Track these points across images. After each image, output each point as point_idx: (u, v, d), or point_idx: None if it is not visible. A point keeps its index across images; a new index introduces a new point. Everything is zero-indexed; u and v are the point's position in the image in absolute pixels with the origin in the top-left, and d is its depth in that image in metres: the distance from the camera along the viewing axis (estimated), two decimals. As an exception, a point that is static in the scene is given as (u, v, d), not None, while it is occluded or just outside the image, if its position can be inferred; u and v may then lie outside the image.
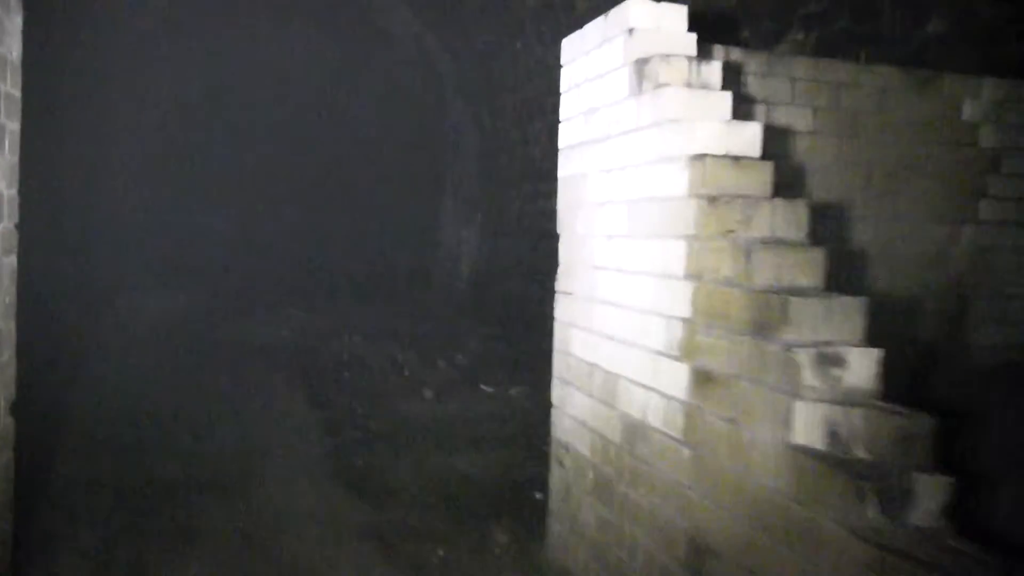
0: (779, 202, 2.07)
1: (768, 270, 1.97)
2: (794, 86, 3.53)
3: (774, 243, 2.01)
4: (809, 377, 1.76)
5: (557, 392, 2.91)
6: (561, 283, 3.02)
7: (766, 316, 1.90)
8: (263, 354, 6.67)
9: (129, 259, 12.72)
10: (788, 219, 2.07)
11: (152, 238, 13.86)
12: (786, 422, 1.78)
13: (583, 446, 2.67)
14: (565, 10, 8.03)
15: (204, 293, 11.19)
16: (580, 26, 2.97)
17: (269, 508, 3.26)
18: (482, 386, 5.41)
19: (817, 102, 3.57)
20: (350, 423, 4.53)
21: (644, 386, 2.28)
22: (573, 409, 2.75)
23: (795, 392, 1.78)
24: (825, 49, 4.33)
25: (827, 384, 1.77)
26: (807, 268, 1.98)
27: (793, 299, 1.85)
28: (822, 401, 1.73)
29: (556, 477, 2.91)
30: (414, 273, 13.88)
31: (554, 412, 2.90)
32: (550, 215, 9.13)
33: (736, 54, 3.47)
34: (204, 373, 5.73)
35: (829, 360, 1.77)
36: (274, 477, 3.62)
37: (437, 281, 12.90)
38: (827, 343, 1.82)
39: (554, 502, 2.93)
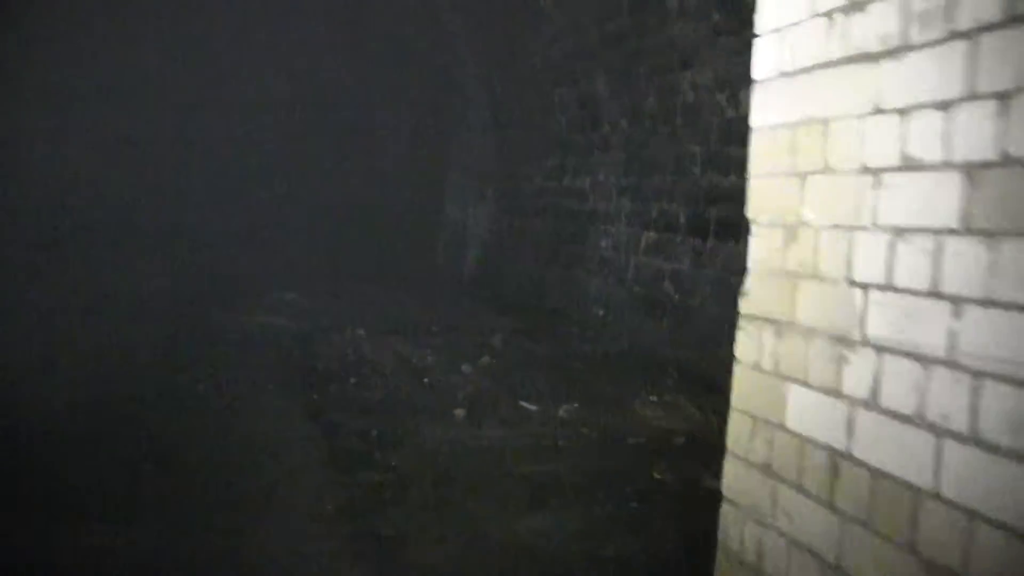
0: None
1: None
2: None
3: None
4: None
5: (739, 479, 1.80)
6: (753, 302, 1.85)
7: None
8: (253, 350, 5.58)
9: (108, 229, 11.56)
10: None
11: (137, 208, 12.69)
12: None
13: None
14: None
15: (188, 270, 10.05)
16: None
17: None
18: (522, 402, 4.34)
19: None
20: (365, 457, 3.45)
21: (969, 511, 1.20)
22: (784, 520, 1.66)
23: None
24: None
25: None
26: None
27: None
28: None
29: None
30: (418, 252, 12.76)
31: (727, 511, 1.83)
32: (578, 194, 8.02)
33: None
34: (179, 377, 4.63)
35: None
36: (265, 555, 2.55)
37: (443, 262, 11.79)
38: None
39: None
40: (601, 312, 7.27)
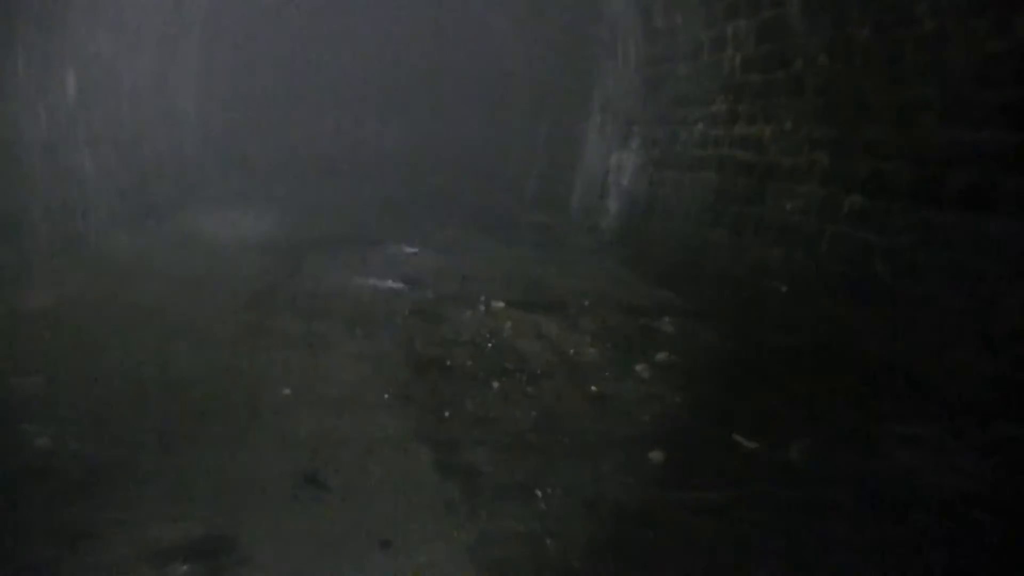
0: None
1: None
2: None
3: None
4: None
5: None
6: None
7: None
8: (359, 329, 4.70)
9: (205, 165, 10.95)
10: None
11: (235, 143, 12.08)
12: None
13: None
14: None
15: (284, 216, 9.28)
16: None
17: None
18: (737, 437, 3.22)
19: None
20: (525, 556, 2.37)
21: None
22: None
23: None
24: None
25: None
26: None
27: None
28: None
29: None
30: (550, 204, 11.67)
31: None
32: (754, 145, 6.72)
33: None
34: (242, 377, 3.75)
35: None
36: None
37: (579, 216, 10.66)
38: None
39: None
40: (784, 288, 6.03)
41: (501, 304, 5.16)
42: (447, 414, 3.34)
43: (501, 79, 14.79)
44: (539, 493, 2.64)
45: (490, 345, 4.35)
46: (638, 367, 4.04)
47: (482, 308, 5.05)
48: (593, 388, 3.72)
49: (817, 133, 5.92)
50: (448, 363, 4.09)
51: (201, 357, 3.96)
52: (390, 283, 5.89)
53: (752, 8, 6.79)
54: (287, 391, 3.51)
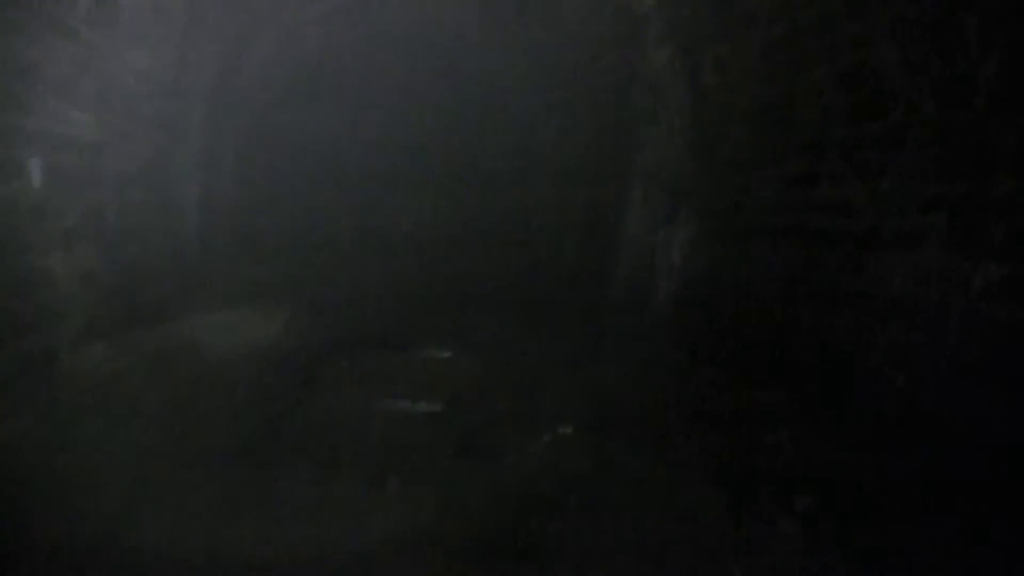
0: None
1: None
2: None
3: None
4: None
5: None
6: None
7: None
8: (391, 485, 3.61)
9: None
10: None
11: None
12: None
13: None
14: None
15: (297, 313, 8.31)
16: None
17: None
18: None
19: None
20: None
21: None
22: None
23: None
24: None
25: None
26: None
27: None
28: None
29: None
30: (585, 282, 10.71)
31: None
32: (840, 208, 5.65)
33: None
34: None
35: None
36: None
37: (623, 296, 9.67)
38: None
39: None
40: (900, 381, 4.97)
41: (569, 430, 4.15)
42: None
43: (528, 151, 14.02)
44: None
45: (574, 501, 3.29)
46: (781, 524, 2.98)
47: (547, 438, 4.03)
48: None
49: (930, 191, 4.94)
50: (524, 540, 3.01)
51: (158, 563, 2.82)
52: (426, 405, 4.81)
53: (829, 54, 5.90)
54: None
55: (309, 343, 6.70)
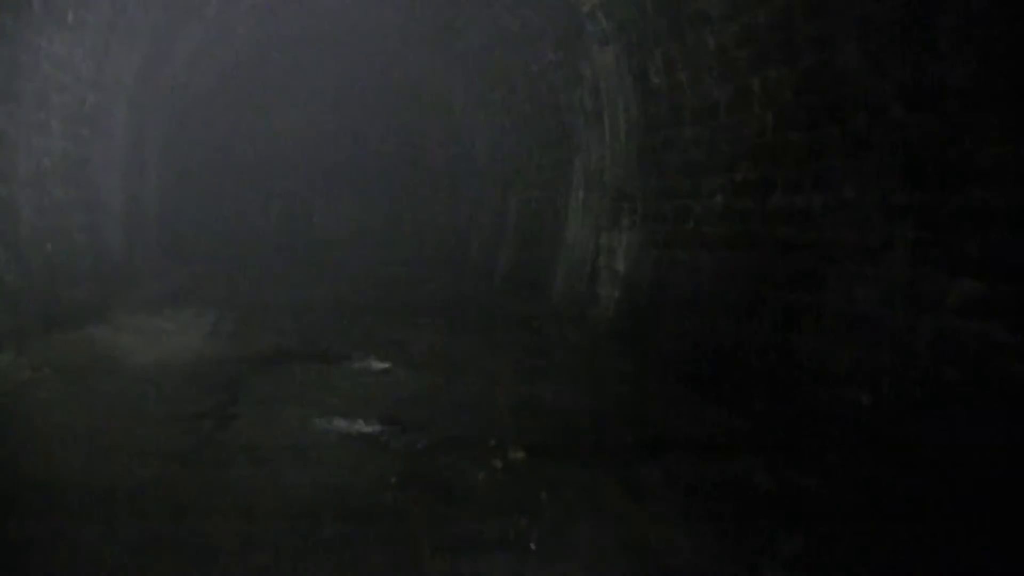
0: None
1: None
2: None
3: None
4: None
5: None
6: None
7: None
8: (327, 535, 3.11)
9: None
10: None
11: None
12: None
13: None
14: None
15: (223, 318, 7.73)
16: None
17: None
18: None
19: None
20: None
21: None
22: None
23: None
24: None
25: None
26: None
27: None
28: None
29: None
30: (521, 289, 10.34)
31: None
32: (799, 218, 5.38)
33: None
34: None
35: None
36: None
37: (563, 305, 9.30)
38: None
39: None
40: (866, 400, 4.69)
41: (520, 455, 3.74)
42: None
43: (465, 153, 13.60)
44: None
45: (536, 543, 2.87)
46: (766, 573, 2.62)
47: (498, 463, 3.62)
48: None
49: (897, 200, 4.68)
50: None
51: None
52: (363, 425, 4.33)
53: (788, 55, 5.62)
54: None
55: (236, 353, 6.16)
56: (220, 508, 3.13)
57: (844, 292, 5.03)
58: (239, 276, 11.86)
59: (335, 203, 15.94)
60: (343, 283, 11.64)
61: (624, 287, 8.05)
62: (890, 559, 2.87)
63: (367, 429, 4.21)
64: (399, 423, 4.32)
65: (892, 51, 4.73)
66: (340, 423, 4.29)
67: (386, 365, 5.83)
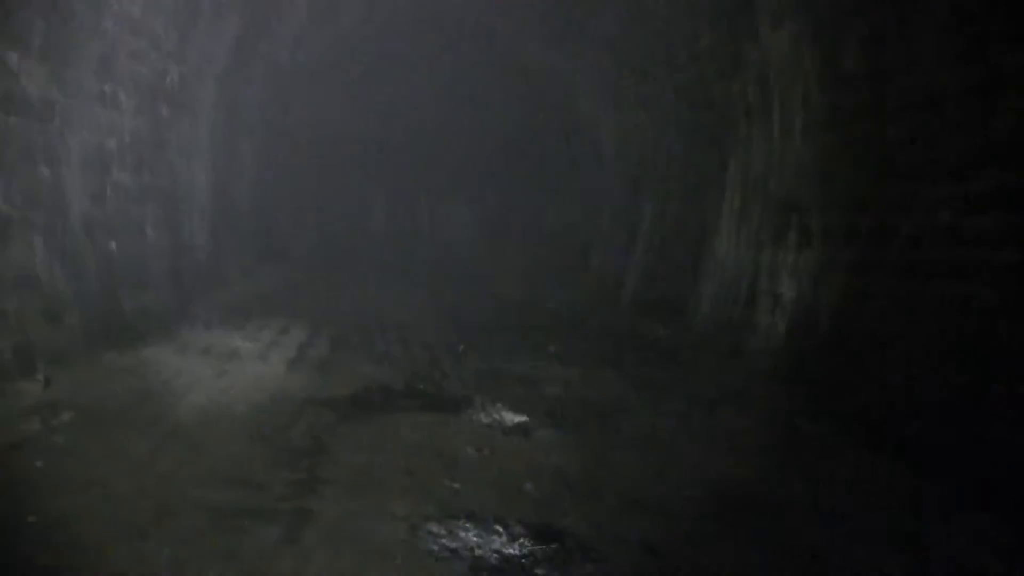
0: None
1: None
2: None
3: None
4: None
5: None
6: None
7: None
8: None
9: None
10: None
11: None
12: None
13: None
14: None
15: (312, 340, 6.64)
16: None
17: None
18: None
19: None
20: None
21: None
22: None
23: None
24: None
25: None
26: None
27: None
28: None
29: None
30: (655, 309, 8.99)
31: None
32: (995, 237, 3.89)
33: None
34: None
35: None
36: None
37: (704, 329, 7.90)
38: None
39: None
40: None
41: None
42: None
43: (588, 152, 12.32)
44: None
45: None
46: None
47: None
48: None
49: None
50: None
51: None
52: (505, 542, 2.94)
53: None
54: None
55: (324, 392, 5.02)
56: None
57: None
58: (336, 281, 10.86)
59: (442, 203, 14.91)
60: (450, 293, 10.51)
61: (792, 318, 6.62)
62: None
63: (511, 550, 2.88)
64: (557, 537, 2.96)
65: None
66: (469, 536, 2.95)
67: (521, 419, 4.56)
